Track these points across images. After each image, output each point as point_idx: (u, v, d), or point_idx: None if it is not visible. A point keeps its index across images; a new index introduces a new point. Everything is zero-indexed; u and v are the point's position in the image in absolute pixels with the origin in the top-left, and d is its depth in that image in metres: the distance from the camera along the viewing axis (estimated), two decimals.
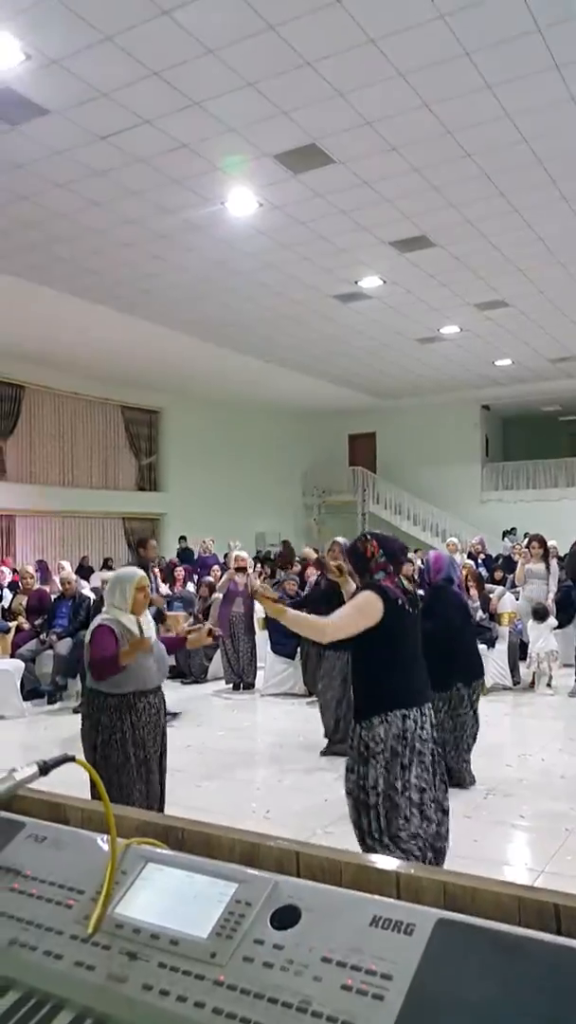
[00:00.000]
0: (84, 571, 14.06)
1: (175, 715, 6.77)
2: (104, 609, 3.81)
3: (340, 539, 6.16)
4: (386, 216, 8.89)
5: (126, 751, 3.61)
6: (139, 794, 3.61)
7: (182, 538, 15.84)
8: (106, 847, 1.15)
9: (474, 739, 5.16)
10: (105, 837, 1.17)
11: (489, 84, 6.35)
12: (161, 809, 3.73)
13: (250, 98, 6.53)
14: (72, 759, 1.00)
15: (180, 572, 10.43)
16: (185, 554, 14.93)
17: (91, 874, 1.15)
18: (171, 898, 1.08)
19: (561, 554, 10.22)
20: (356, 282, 11.10)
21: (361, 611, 3.13)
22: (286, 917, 1.01)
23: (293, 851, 1.18)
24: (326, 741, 6.03)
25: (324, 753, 5.92)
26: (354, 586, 3.68)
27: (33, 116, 6.73)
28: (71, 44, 5.80)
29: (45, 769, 0.94)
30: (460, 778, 4.96)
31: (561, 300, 11.96)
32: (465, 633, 5.08)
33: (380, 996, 0.88)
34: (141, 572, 3.89)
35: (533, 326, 13.41)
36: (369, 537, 3.43)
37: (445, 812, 3.26)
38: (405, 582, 3.41)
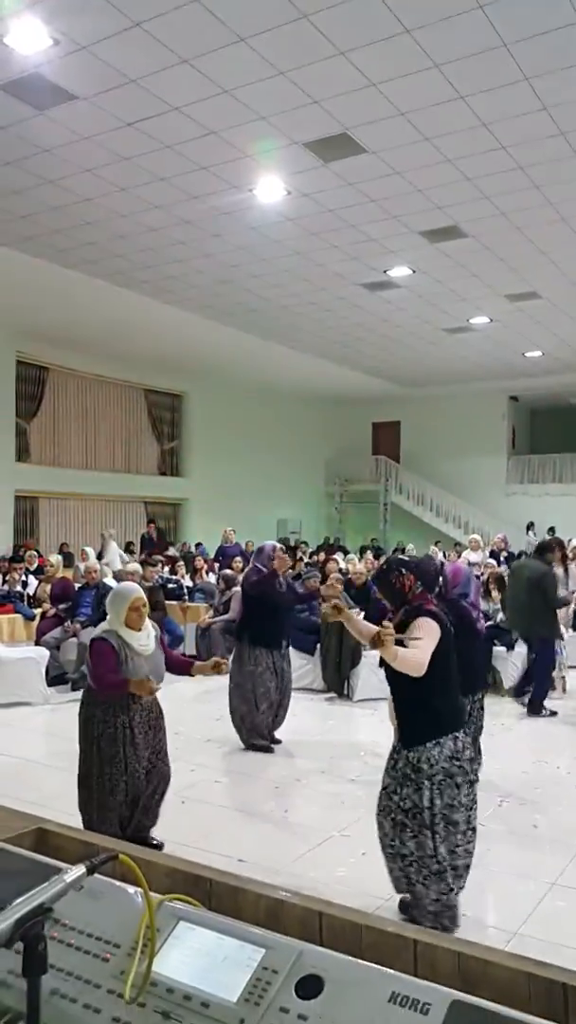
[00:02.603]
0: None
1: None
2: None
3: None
4: (417, 206, 8.78)
5: (116, 747, 3.82)
6: (123, 787, 3.85)
7: (198, 545, 15.61)
8: (140, 901, 1.17)
9: (476, 736, 5.15)
10: (139, 891, 1.18)
11: (527, 76, 6.23)
12: (137, 805, 3.95)
13: (281, 87, 6.45)
14: (116, 857, 1.03)
15: (201, 563, 10.46)
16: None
17: (126, 928, 1.18)
18: (202, 959, 1.11)
19: None
20: (385, 271, 10.99)
21: (432, 637, 3.13)
22: (310, 987, 1.03)
23: (316, 911, 1.19)
24: (339, 737, 6.07)
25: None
26: (359, 621, 3.46)
27: (61, 101, 6.70)
28: (100, 30, 5.74)
29: (92, 869, 0.98)
30: None
31: None
32: (469, 649, 4.97)
33: None
34: (138, 592, 3.94)
35: (565, 317, 13.22)
36: (403, 571, 3.28)
37: (475, 830, 3.32)
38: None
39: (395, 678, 3.20)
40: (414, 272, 11.02)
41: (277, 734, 6.29)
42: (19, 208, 8.90)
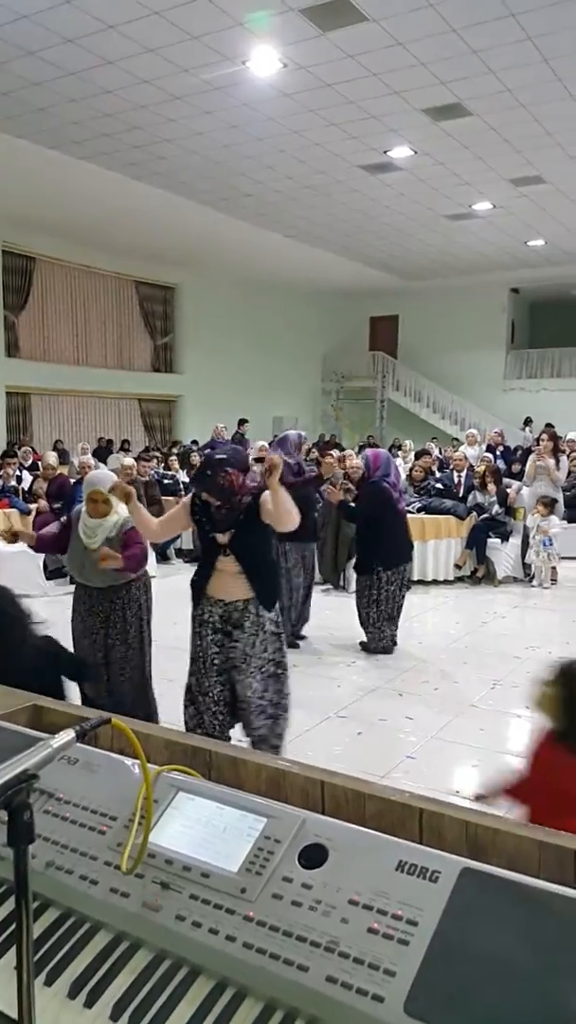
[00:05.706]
0: (103, 452, 14.08)
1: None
2: None
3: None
4: (420, 80, 8.26)
5: (74, 633, 3.91)
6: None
7: (194, 442, 15.52)
8: (138, 772, 1.16)
9: (397, 612, 5.81)
10: (136, 763, 1.18)
11: None
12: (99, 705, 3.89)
13: None
14: (108, 721, 1.01)
15: (196, 459, 10.41)
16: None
17: (123, 800, 1.17)
18: (202, 830, 1.11)
19: None
20: (385, 152, 10.47)
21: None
22: (313, 856, 1.03)
23: (318, 780, 1.20)
24: (335, 626, 6.19)
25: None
26: (145, 514, 3.55)
27: None
28: None
29: (82, 734, 0.95)
30: (381, 646, 5.75)
31: None
32: (391, 525, 5.68)
33: (405, 941, 0.91)
34: (99, 485, 3.78)
35: (569, 204, 12.71)
36: (228, 469, 3.25)
37: None
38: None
39: (260, 545, 3.42)
40: (416, 153, 10.50)
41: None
42: None
